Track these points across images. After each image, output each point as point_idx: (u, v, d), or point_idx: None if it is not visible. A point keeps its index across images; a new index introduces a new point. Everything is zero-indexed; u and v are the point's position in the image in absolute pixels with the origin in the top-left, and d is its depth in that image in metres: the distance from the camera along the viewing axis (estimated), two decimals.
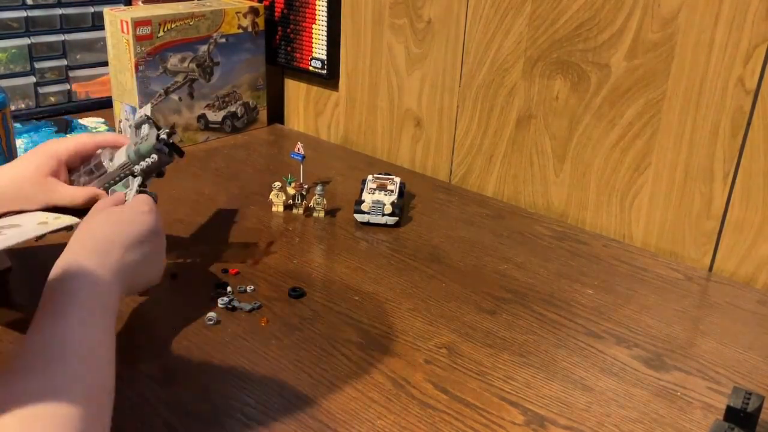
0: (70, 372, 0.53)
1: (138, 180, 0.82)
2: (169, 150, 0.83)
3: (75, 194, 0.81)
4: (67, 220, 0.76)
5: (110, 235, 0.69)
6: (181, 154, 0.84)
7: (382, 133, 1.33)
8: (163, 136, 0.82)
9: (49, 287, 0.61)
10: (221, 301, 0.81)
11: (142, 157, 0.82)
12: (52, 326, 0.57)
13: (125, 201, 0.78)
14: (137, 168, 0.82)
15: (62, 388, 0.51)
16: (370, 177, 1.11)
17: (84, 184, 0.86)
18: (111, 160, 0.84)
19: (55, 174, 0.81)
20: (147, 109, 0.86)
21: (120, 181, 0.85)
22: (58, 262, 0.64)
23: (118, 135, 0.83)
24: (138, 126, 0.85)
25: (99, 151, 0.87)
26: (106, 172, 0.84)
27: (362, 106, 1.34)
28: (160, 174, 0.86)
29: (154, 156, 0.81)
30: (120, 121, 1.29)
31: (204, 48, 1.29)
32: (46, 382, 0.51)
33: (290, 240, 0.99)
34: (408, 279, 0.90)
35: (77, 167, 0.86)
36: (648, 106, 0.98)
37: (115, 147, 0.86)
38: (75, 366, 0.54)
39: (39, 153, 0.81)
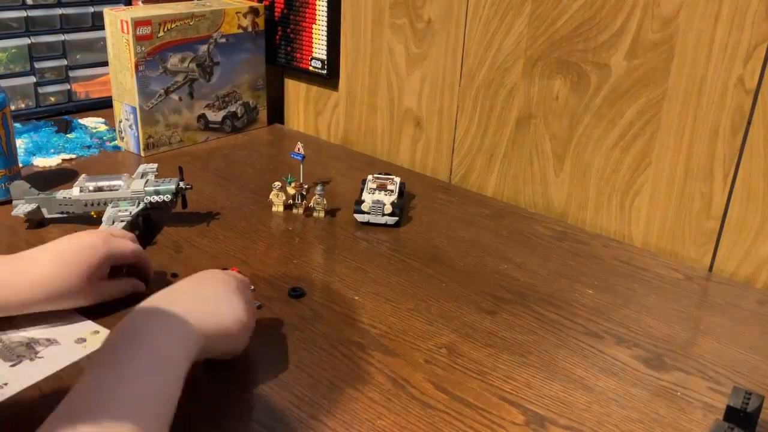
0: (117, 420, 0.49)
1: (140, 208, 0.94)
2: (180, 199, 0.99)
3: (119, 289, 0.79)
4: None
5: (186, 291, 0.66)
6: (185, 206, 1.01)
7: (382, 133, 1.33)
8: (183, 186, 0.98)
9: (117, 333, 0.57)
10: None
11: (157, 193, 0.95)
12: (111, 375, 0.53)
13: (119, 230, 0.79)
14: (147, 199, 0.95)
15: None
16: (370, 177, 1.11)
17: (92, 198, 0.95)
18: (127, 185, 0.96)
19: (103, 277, 0.77)
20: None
21: (124, 201, 0.95)
22: (129, 316, 0.60)
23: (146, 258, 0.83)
24: (146, 173, 1.03)
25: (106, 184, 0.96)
26: (116, 191, 0.95)
27: (362, 106, 1.34)
28: (148, 217, 0.98)
29: (167, 197, 0.95)
30: (120, 121, 1.29)
31: (204, 48, 1.29)
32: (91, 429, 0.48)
33: (290, 240, 0.99)
34: (408, 279, 0.90)
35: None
36: (648, 106, 0.98)
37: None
38: (124, 414, 0.50)
39: (94, 257, 0.75)
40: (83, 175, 1.00)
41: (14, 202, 0.96)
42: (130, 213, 0.92)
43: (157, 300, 0.62)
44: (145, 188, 0.95)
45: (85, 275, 0.74)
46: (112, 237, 0.78)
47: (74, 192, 0.96)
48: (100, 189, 0.96)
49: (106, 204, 0.95)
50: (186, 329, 0.60)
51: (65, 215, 0.96)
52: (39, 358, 0.71)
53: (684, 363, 0.76)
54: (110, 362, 0.54)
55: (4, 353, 0.71)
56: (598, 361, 0.75)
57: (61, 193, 0.96)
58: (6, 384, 0.67)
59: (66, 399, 0.51)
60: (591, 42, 1.01)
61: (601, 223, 1.07)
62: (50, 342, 0.73)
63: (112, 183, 0.96)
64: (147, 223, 0.98)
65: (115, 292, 0.79)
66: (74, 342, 0.74)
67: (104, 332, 0.76)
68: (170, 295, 0.64)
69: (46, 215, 0.96)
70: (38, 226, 0.97)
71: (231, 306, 0.67)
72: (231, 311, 0.67)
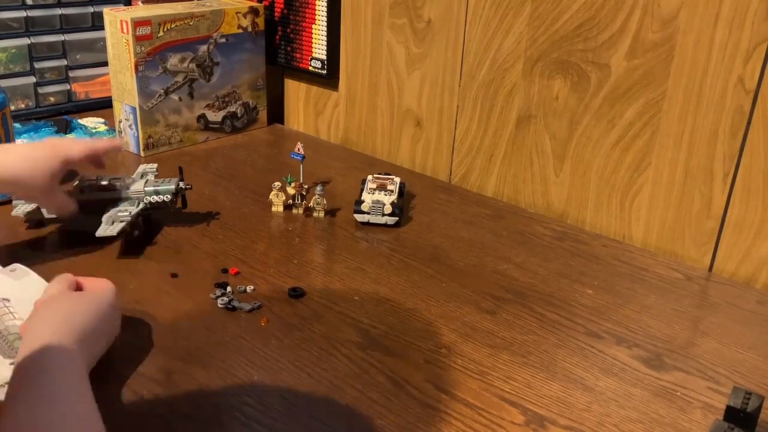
0: None
1: (140, 208, 0.93)
2: (180, 199, 0.99)
3: (68, 206, 0.89)
4: None
5: (68, 315, 0.66)
6: (184, 206, 1.02)
7: (382, 133, 1.33)
8: (182, 186, 0.98)
9: (20, 368, 0.58)
10: (221, 301, 0.81)
11: (157, 193, 0.95)
12: (31, 407, 0.54)
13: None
14: (147, 199, 0.95)
15: None
16: (370, 177, 1.11)
17: (92, 198, 0.94)
18: (126, 185, 0.96)
19: (56, 177, 0.86)
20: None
21: (124, 201, 0.95)
22: (21, 346, 0.62)
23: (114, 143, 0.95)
24: (145, 173, 1.03)
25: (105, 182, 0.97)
26: (116, 191, 0.95)
27: (362, 106, 1.34)
28: (148, 217, 0.98)
29: (167, 197, 0.95)
30: (120, 121, 1.29)
31: (204, 48, 1.29)
32: None
33: (290, 240, 0.99)
34: (408, 279, 0.90)
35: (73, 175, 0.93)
36: (648, 106, 0.98)
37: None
38: None
39: (55, 160, 0.85)
40: (82, 175, 0.99)
41: (14, 202, 0.96)
42: (130, 213, 0.92)
43: (47, 335, 0.63)
44: (145, 188, 0.95)
45: (48, 171, 0.84)
46: (63, 144, 0.89)
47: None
48: (99, 189, 0.95)
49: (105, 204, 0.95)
50: (75, 350, 0.62)
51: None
52: None
53: (684, 363, 0.76)
54: (25, 403, 0.54)
55: (2, 348, 0.71)
56: (598, 361, 0.75)
57: None
58: (8, 383, 0.66)
59: None
60: (591, 42, 1.01)
61: (601, 223, 1.07)
62: None
63: (112, 183, 0.96)
64: (147, 223, 0.97)
65: (62, 201, 0.88)
66: None
67: (20, 268, 0.77)
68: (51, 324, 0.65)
69: (46, 215, 0.96)
70: (38, 225, 0.97)
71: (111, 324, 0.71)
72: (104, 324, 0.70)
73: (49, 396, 0.55)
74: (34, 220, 0.97)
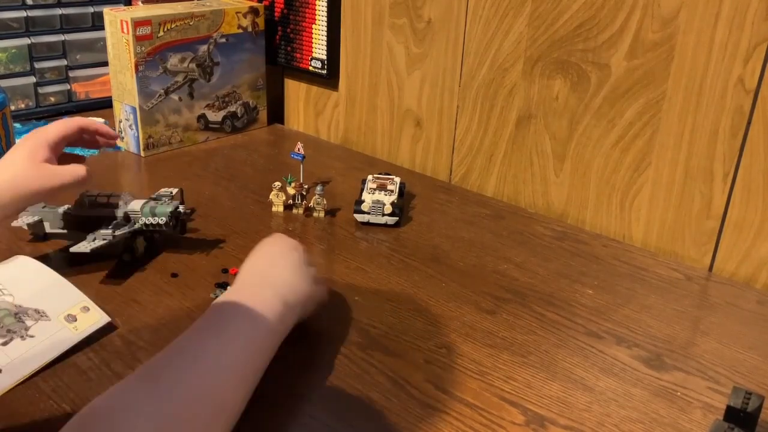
0: (195, 387, 0.54)
1: (130, 229, 0.89)
2: (177, 223, 0.93)
3: (75, 171, 0.81)
4: (97, 316, 0.76)
5: (265, 268, 0.72)
6: (183, 232, 0.97)
7: (382, 133, 1.33)
8: (181, 210, 0.92)
9: (209, 309, 0.63)
10: None
11: (152, 215, 0.90)
12: (197, 340, 0.59)
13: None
14: (142, 219, 0.89)
15: (186, 402, 0.52)
16: (370, 177, 1.11)
17: (89, 214, 0.91)
18: (126, 203, 0.92)
19: (48, 160, 0.80)
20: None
21: (122, 224, 0.90)
22: (223, 296, 0.68)
23: (95, 120, 0.89)
24: (158, 197, 0.98)
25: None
26: (114, 208, 0.91)
27: (362, 106, 1.34)
28: (150, 240, 0.93)
29: (162, 220, 0.89)
30: (120, 121, 1.29)
31: (204, 48, 1.29)
32: (168, 393, 0.52)
33: None
34: (408, 279, 0.90)
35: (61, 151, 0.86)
36: (648, 106, 0.98)
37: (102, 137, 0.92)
38: (203, 382, 0.55)
39: (28, 142, 0.81)
40: (84, 191, 0.95)
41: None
42: (113, 234, 0.86)
43: (244, 280, 0.70)
44: (142, 209, 0.90)
45: (27, 155, 0.79)
46: (47, 126, 0.85)
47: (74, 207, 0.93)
48: (98, 206, 0.92)
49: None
50: (275, 303, 0.66)
51: (66, 231, 0.92)
52: (30, 336, 0.71)
53: (684, 363, 0.76)
54: (209, 328, 0.60)
55: None
56: (598, 361, 0.75)
57: (62, 208, 0.92)
58: (0, 371, 0.67)
59: (166, 352, 0.57)
60: (591, 42, 1.01)
61: (601, 223, 1.07)
62: (39, 315, 0.74)
63: (111, 201, 0.92)
64: (150, 246, 0.93)
65: (66, 175, 0.80)
66: (64, 319, 0.74)
67: (94, 309, 0.77)
68: (256, 275, 0.71)
69: (48, 229, 0.92)
70: (43, 239, 0.94)
71: (304, 275, 0.73)
72: (304, 280, 0.73)
73: (210, 334, 0.59)
74: (38, 234, 0.94)
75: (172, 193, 1.00)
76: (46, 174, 0.79)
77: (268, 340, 0.63)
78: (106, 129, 0.91)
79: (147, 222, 0.89)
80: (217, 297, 0.82)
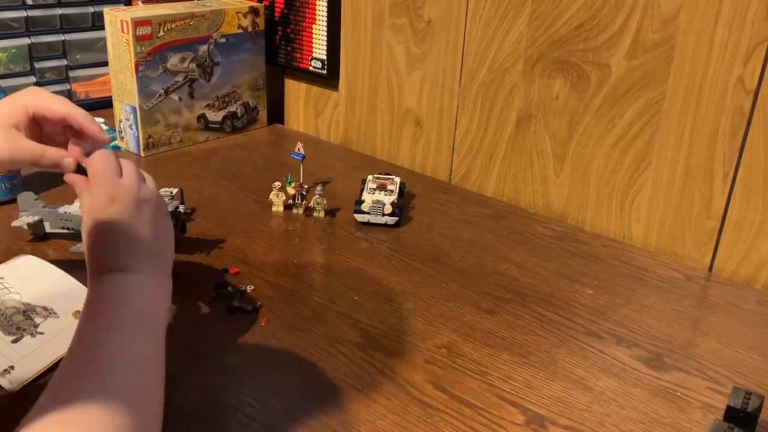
0: (115, 380, 0.51)
1: None
2: (176, 223, 0.88)
3: (43, 153, 0.67)
4: None
5: (130, 231, 0.62)
6: (182, 232, 0.93)
7: (382, 133, 1.33)
8: (181, 210, 0.91)
9: (93, 295, 0.57)
10: (221, 302, 0.81)
11: None
12: (98, 335, 0.54)
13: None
14: None
15: (106, 396, 0.49)
16: (370, 177, 1.11)
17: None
18: None
19: (20, 127, 0.68)
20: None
21: None
22: (92, 267, 0.60)
23: (88, 116, 0.70)
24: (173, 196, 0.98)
25: None
26: None
27: (362, 106, 1.34)
28: None
29: None
30: (120, 121, 1.29)
31: (204, 48, 1.29)
32: (88, 390, 0.49)
33: (290, 240, 0.99)
34: (408, 279, 0.90)
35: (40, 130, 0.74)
36: (648, 106, 0.98)
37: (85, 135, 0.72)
38: (122, 375, 0.52)
39: (5, 101, 0.70)
40: None
41: (20, 212, 0.93)
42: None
43: (121, 256, 0.60)
44: None
45: (4, 119, 0.67)
46: (41, 91, 0.72)
47: (74, 207, 0.93)
48: None
49: None
50: (159, 279, 0.61)
51: (66, 230, 0.92)
52: (40, 333, 0.71)
53: (684, 363, 0.76)
54: (96, 334, 0.54)
55: (2, 323, 0.71)
56: (598, 361, 0.75)
57: (63, 208, 0.92)
58: (12, 368, 0.67)
59: (62, 374, 0.51)
60: (591, 42, 1.01)
61: (601, 223, 1.07)
62: (48, 312, 0.74)
63: None
64: None
65: (36, 152, 0.67)
66: (72, 315, 0.75)
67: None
68: (131, 244, 0.61)
69: (48, 229, 0.92)
70: (43, 239, 0.93)
71: (170, 229, 0.67)
72: (171, 233, 0.67)
73: (109, 327, 0.54)
74: (38, 234, 0.93)
75: (172, 193, 1.00)
76: (11, 140, 0.67)
77: (160, 323, 0.59)
78: (94, 130, 0.68)
79: None
80: (216, 297, 0.82)
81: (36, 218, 0.92)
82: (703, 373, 0.74)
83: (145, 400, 0.53)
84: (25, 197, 0.93)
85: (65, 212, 0.92)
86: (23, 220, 0.92)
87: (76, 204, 0.93)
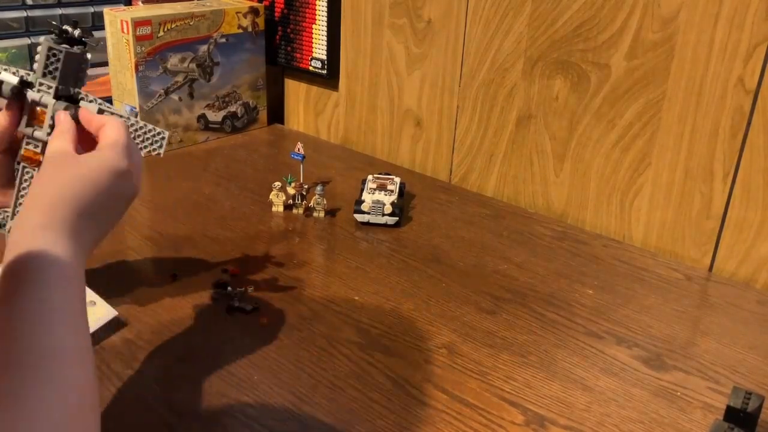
0: (47, 378, 0.44)
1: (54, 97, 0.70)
2: (69, 41, 0.70)
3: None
4: (104, 310, 0.75)
5: (62, 193, 0.55)
6: (84, 44, 0.71)
7: (382, 133, 1.33)
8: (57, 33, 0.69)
9: (5, 273, 0.49)
10: (221, 302, 0.81)
11: (46, 74, 0.70)
12: (8, 319, 0.46)
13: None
14: (46, 88, 0.70)
15: (29, 394, 0.42)
16: (370, 177, 1.11)
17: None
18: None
19: None
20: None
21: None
22: (12, 233, 0.53)
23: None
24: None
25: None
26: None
27: (362, 106, 1.34)
28: (79, 80, 0.74)
29: (54, 54, 0.69)
30: None
31: (204, 48, 1.29)
32: (25, 390, 0.42)
33: (290, 240, 0.99)
34: (408, 279, 0.90)
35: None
36: (648, 106, 0.98)
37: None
38: (54, 370, 0.45)
39: None
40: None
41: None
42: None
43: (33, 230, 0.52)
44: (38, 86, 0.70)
45: None
46: None
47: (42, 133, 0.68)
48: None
49: None
50: (74, 262, 0.52)
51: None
52: None
53: (684, 363, 0.76)
54: (15, 323, 0.46)
55: None
56: (598, 361, 0.75)
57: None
58: None
59: None
60: (591, 42, 1.01)
61: (601, 223, 1.07)
62: None
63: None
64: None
65: None
66: None
67: (101, 303, 0.77)
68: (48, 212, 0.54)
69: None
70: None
71: (127, 188, 0.59)
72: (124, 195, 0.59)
73: (31, 317, 0.46)
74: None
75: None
76: None
77: (82, 310, 0.51)
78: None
79: (53, 75, 0.72)
80: (216, 297, 0.82)
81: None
82: (703, 373, 0.74)
83: (67, 386, 0.45)
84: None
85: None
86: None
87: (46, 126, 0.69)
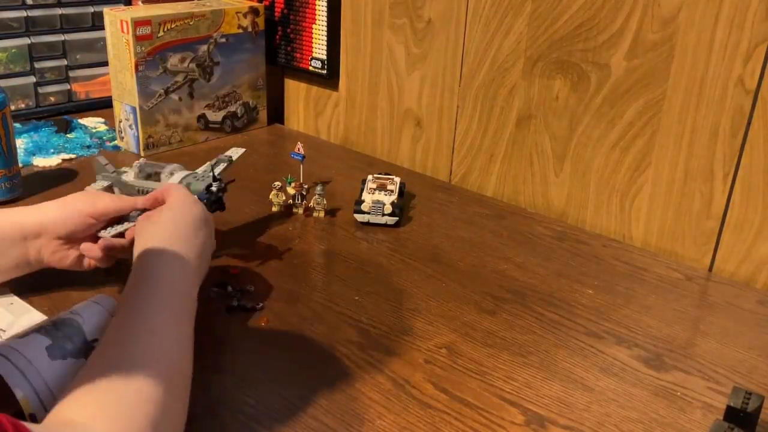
0: (149, 351, 0.57)
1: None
2: (210, 202, 0.87)
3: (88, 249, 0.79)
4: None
5: (180, 226, 0.73)
6: (221, 208, 0.89)
7: (382, 133, 1.33)
8: (213, 188, 0.87)
9: (140, 271, 0.65)
10: (221, 302, 0.81)
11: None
12: (143, 310, 0.61)
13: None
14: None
15: (141, 366, 0.54)
16: (370, 177, 1.11)
17: (142, 185, 0.91)
18: (170, 174, 0.92)
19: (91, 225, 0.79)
20: (236, 152, 0.96)
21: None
22: (140, 251, 0.68)
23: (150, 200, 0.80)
24: (216, 163, 0.96)
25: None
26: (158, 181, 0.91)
27: (362, 106, 1.34)
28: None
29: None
30: (120, 121, 1.29)
31: (204, 48, 1.29)
32: (126, 360, 0.55)
33: (290, 240, 0.99)
34: (408, 279, 0.90)
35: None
36: (648, 106, 0.98)
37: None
38: (156, 346, 0.58)
39: (90, 202, 0.79)
40: (143, 160, 0.95)
41: (96, 176, 0.94)
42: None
43: (159, 239, 0.70)
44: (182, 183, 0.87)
45: (86, 215, 0.78)
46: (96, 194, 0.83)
47: (130, 176, 0.92)
48: (149, 176, 0.92)
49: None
50: (191, 264, 0.69)
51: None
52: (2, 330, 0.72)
53: (684, 363, 0.76)
54: (133, 306, 0.62)
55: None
56: (598, 361, 0.75)
57: (124, 176, 0.92)
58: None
59: (100, 345, 0.59)
60: (591, 42, 1.01)
61: (601, 223, 1.07)
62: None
63: (156, 171, 0.92)
64: None
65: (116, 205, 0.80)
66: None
67: (18, 302, 0.78)
68: (168, 232, 0.71)
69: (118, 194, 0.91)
70: None
71: (209, 233, 0.76)
72: (209, 238, 0.76)
73: (149, 301, 0.62)
74: None
75: (232, 158, 0.99)
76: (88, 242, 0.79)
77: (191, 299, 0.68)
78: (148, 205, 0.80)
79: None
80: (216, 297, 0.82)
81: (107, 183, 0.93)
82: (703, 373, 0.74)
83: (174, 368, 0.58)
84: (98, 162, 0.96)
85: (125, 181, 0.92)
86: (97, 185, 0.92)
87: (131, 173, 0.93)
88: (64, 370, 0.60)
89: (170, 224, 0.72)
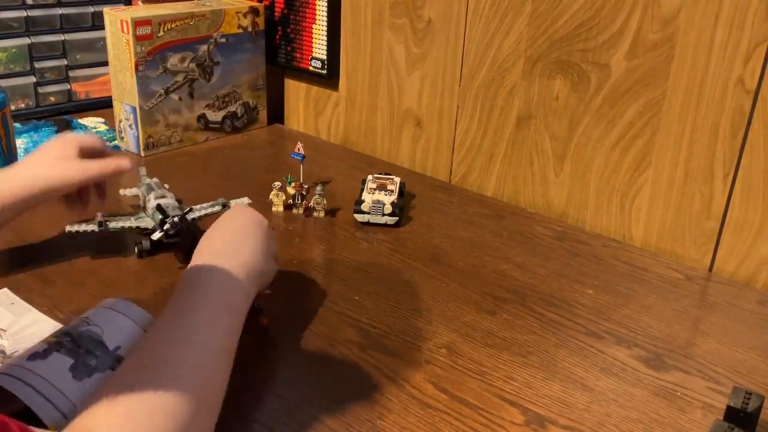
0: (188, 365, 0.56)
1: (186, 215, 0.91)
2: (166, 233, 0.88)
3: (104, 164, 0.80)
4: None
5: (233, 240, 0.73)
6: (175, 243, 0.90)
7: (382, 133, 1.33)
8: (167, 227, 0.88)
9: (183, 284, 0.65)
10: None
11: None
12: (181, 321, 0.60)
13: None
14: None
15: (177, 380, 0.54)
16: (370, 177, 1.11)
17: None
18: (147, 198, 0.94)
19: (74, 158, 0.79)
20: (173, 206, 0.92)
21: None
22: (190, 266, 0.68)
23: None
24: (191, 211, 0.94)
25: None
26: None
27: (362, 106, 1.34)
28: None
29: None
30: (120, 121, 1.29)
31: (204, 48, 1.29)
32: (163, 372, 0.54)
33: (290, 240, 0.99)
34: (408, 279, 0.90)
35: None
36: (648, 106, 0.98)
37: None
38: (194, 361, 0.57)
39: (61, 140, 0.81)
40: (155, 179, 0.99)
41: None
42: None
43: (214, 250, 0.70)
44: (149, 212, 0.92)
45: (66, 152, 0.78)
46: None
47: (170, 199, 0.95)
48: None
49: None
50: (242, 276, 0.68)
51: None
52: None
53: (684, 363, 0.76)
54: (179, 311, 0.61)
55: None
56: (598, 361, 0.75)
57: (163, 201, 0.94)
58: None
59: (139, 346, 0.58)
60: (591, 42, 1.01)
61: (601, 223, 1.07)
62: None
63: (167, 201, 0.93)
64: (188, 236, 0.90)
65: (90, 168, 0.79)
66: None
67: (18, 302, 0.78)
68: (223, 244, 0.72)
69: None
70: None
71: (264, 247, 0.74)
72: (264, 252, 0.74)
73: (192, 313, 0.61)
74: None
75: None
76: (72, 165, 0.79)
77: (237, 314, 0.65)
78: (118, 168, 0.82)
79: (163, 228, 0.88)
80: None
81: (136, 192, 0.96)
82: (703, 373, 0.74)
83: (209, 383, 0.57)
84: (141, 170, 1.00)
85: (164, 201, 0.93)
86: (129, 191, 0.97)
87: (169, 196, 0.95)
88: (93, 386, 0.59)
89: (218, 237, 0.73)
